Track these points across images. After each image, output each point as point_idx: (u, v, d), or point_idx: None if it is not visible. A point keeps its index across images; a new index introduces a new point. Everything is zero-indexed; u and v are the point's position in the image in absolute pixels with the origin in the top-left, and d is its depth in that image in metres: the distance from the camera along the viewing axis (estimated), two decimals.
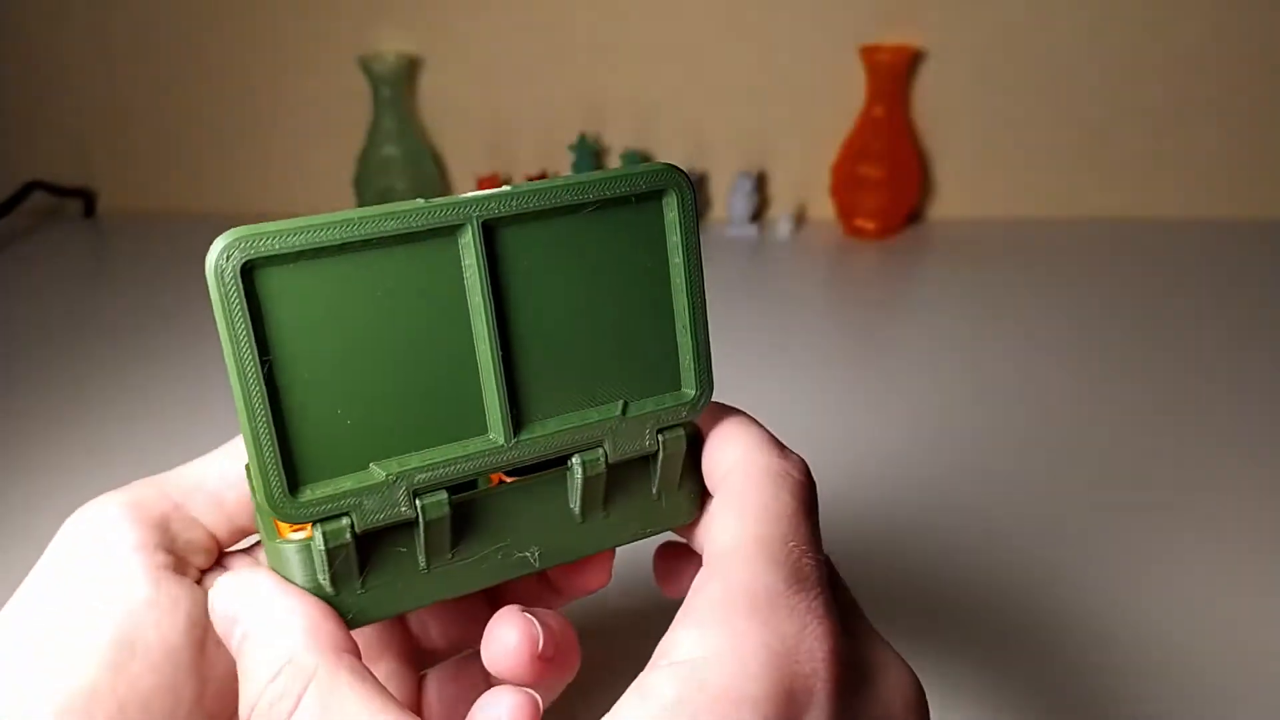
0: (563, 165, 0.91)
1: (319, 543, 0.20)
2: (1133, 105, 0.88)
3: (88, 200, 0.96)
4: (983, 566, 0.47)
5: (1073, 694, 0.39)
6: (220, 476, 0.24)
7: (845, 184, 0.87)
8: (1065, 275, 0.80)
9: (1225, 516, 0.50)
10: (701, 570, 0.21)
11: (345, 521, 0.20)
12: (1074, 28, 0.86)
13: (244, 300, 0.19)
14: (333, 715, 0.19)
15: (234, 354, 0.19)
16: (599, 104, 0.90)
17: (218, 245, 0.19)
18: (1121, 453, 0.55)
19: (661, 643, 0.20)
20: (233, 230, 0.19)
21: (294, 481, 0.20)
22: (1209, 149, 0.89)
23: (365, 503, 0.21)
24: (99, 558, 0.22)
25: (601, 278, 0.22)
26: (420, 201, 0.20)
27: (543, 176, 0.89)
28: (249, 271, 0.19)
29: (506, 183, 0.94)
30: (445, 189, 0.93)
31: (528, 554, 0.23)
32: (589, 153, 0.88)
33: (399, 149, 0.87)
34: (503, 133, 0.92)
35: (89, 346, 0.71)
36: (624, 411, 0.23)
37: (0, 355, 0.69)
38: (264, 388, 0.19)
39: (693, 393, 0.24)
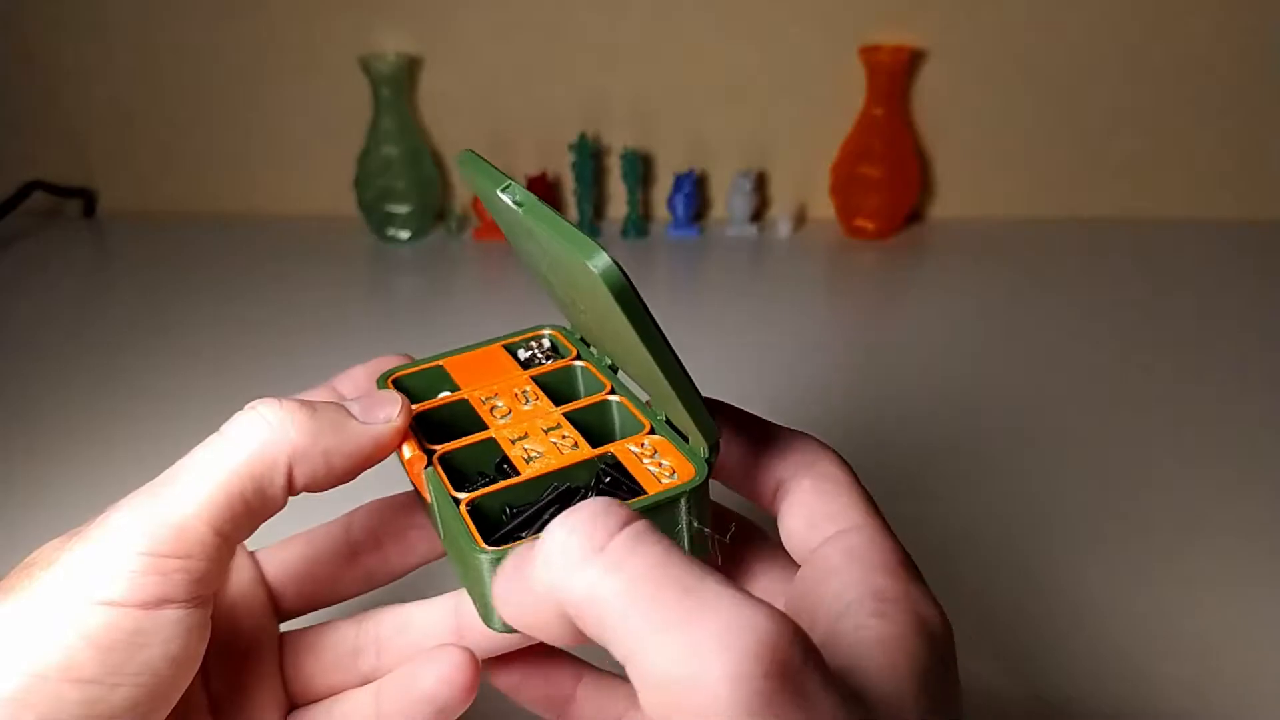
0: (563, 165, 0.91)
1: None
2: (1133, 105, 0.88)
3: (88, 200, 0.96)
4: (981, 564, 0.47)
5: (1067, 690, 0.39)
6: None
7: (845, 184, 0.87)
8: (1065, 275, 0.80)
9: (1225, 514, 0.50)
10: (837, 544, 0.24)
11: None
12: (1074, 28, 0.86)
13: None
14: (673, 556, 0.18)
15: (653, 338, 0.22)
16: (599, 104, 0.90)
17: (605, 258, 0.21)
18: (1121, 452, 0.55)
19: (867, 597, 0.22)
20: (597, 245, 0.21)
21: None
22: (1209, 149, 0.89)
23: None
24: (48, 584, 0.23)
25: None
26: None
27: (543, 176, 0.89)
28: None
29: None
30: (445, 189, 0.93)
31: None
32: (589, 153, 0.88)
33: (399, 149, 0.87)
34: (503, 133, 0.92)
35: (89, 346, 0.71)
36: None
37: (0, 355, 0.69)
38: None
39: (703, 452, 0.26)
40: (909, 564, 0.24)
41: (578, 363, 0.31)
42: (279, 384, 0.63)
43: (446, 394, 0.30)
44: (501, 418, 0.29)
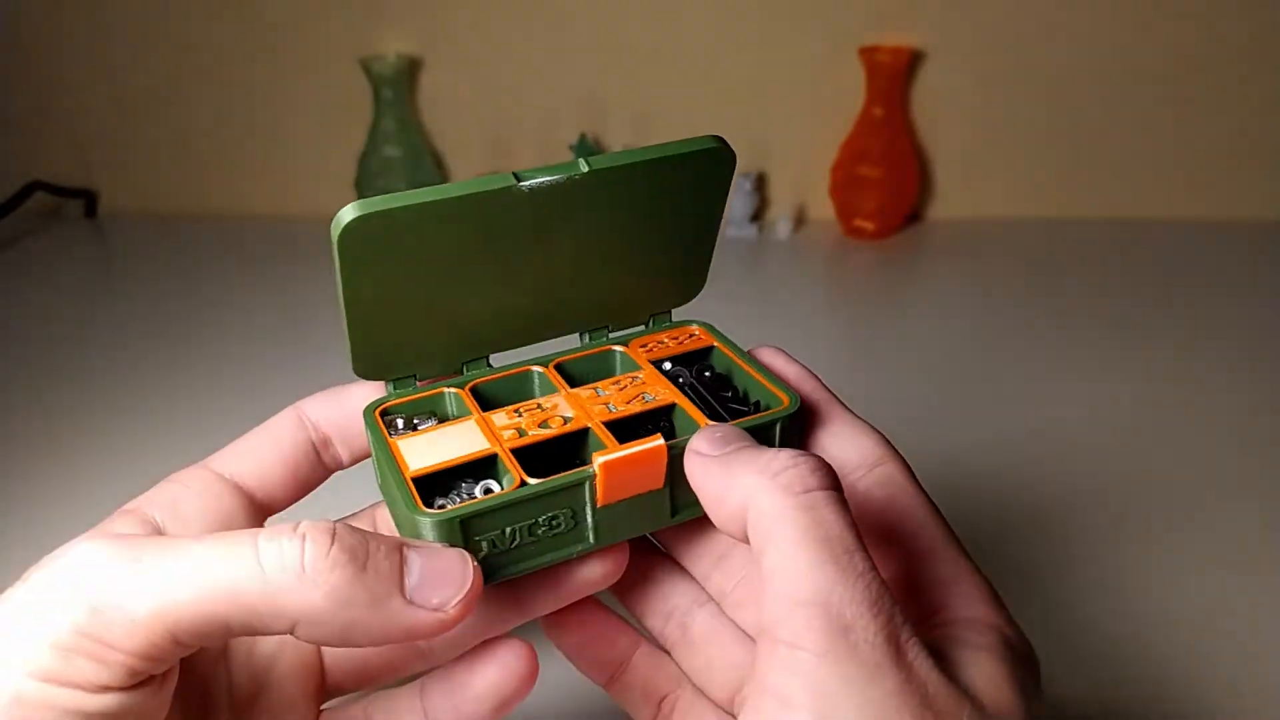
0: None
1: None
2: (1133, 105, 0.88)
3: (89, 201, 0.96)
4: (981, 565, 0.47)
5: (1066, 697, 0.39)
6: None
7: (844, 184, 0.87)
8: (1064, 275, 0.80)
9: (1223, 515, 0.50)
10: (925, 570, 0.25)
11: None
12: (1074, 28, 0.86)
13: None
14: (852, 529, 0.21)
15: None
16: (599, 104, 0.90)
17: (713, 137, 0.28)
18: (1121, 453, 0.56)
19: (963, 621, 0.23)
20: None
21: None
22: (1209, 149, 0.89)
23: None
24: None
25: None
26: None
27: None
28: None
29: None
30: None
31: None
32: (589, 153, 0.88)
33: (400, 149, 0.87)
34: (503, 133, 0.92)
35: (90, 347, 0.71)
36: None
37: (0, 356, 0.70)
38: None
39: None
40: (994, 593, 0.24)
41: (534, 369, 0.30)
42: (279, 384, 0.64)
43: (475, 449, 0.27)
44: (565, 416, 0.27)
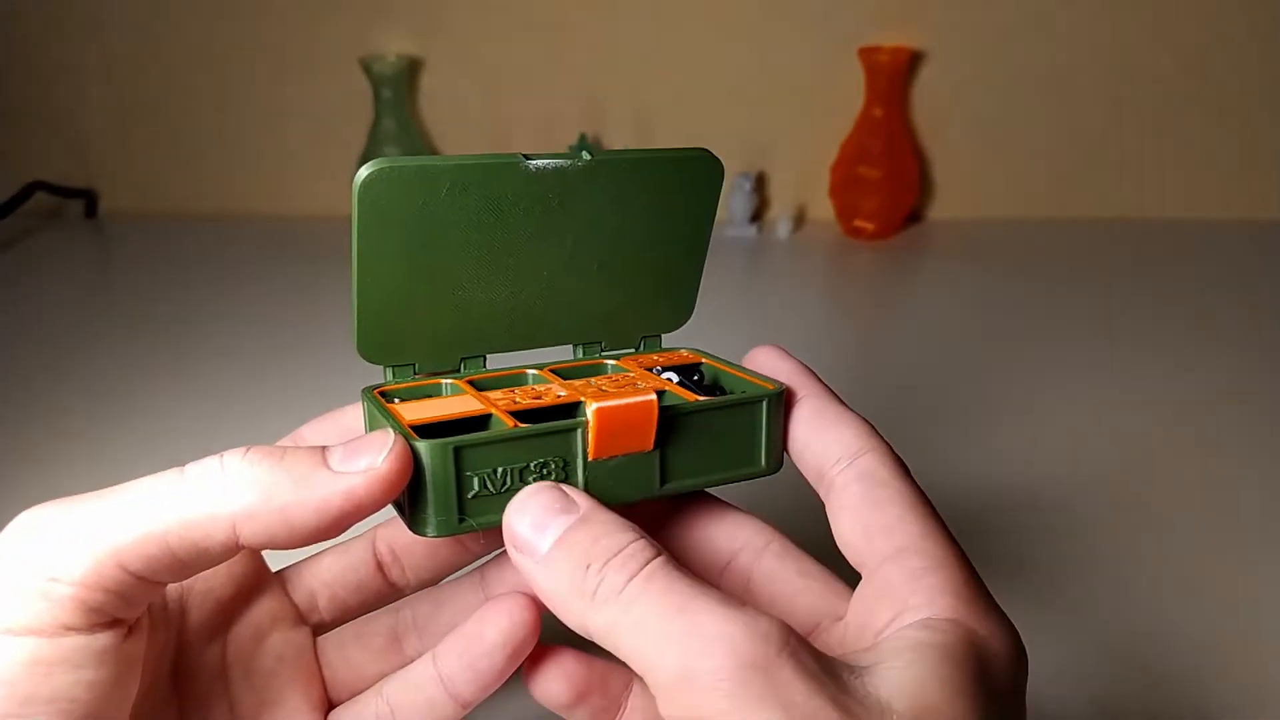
0: None
1: None
2: (1133, 105, 0.88)
3: (89, 201, 0.97)
4: (980, 566, 0.47)
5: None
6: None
7: (844, 184, 0.87)
8: (1064, 276, 0.80)
9: (1225, 516, 0.50)
10: (899, 564, 0.24)
11: None
12: (1073, 28, 0.86)
13: None
14: (676, 586, 0.21)
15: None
16: (599, 104, 0.90)
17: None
18: (1121, 453, 0.56)
19: (923, 619, 0.22)
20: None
21: None
22: (1209, 149, 0.89)
23: None
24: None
25: None
26: None
27: None
28: None
29: None
30: None
31: None
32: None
33: (400, 149, 0.88)
34: (503, 133, 0.92)
35: (90, 347, 0.71)
36: None
37: (0, 356, 0.70)
38: None
39: None
40: (974, 583, 0.24)
41: (533, 370, 0.31)
42: (279, 384, 0.64)
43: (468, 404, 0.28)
44: (559, 394, 0.28)
